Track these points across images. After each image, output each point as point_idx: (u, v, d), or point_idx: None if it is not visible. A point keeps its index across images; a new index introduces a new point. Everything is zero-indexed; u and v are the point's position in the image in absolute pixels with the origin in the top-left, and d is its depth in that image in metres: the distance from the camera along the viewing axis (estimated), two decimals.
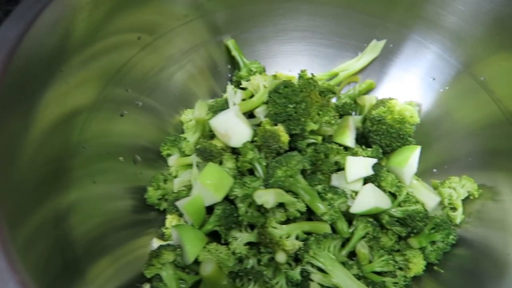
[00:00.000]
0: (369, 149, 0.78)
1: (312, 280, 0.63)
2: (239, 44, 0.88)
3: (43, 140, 0.55)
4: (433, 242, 0.73)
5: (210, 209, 0.70)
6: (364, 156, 0.76)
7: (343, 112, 0.85)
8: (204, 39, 0.85)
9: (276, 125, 0.71)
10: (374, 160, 0.72)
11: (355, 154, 0.77)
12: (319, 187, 0.70)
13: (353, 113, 0.88)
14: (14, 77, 0.50)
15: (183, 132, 0.86)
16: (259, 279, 0.61)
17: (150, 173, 0.79)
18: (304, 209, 0.66)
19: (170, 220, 0.74)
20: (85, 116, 0.65)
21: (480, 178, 0.75)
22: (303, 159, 0.66)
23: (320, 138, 0.75)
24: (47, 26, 0.55)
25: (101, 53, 0.65)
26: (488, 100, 0.75)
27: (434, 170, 0.83)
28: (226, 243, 0.69)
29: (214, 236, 0.71)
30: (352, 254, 0.72)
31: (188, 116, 0.86)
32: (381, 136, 0.78)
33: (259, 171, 0.71)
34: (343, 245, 0.71)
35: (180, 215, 0.73)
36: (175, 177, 0.78)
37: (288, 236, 0.65)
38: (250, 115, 0.80)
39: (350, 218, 0.73)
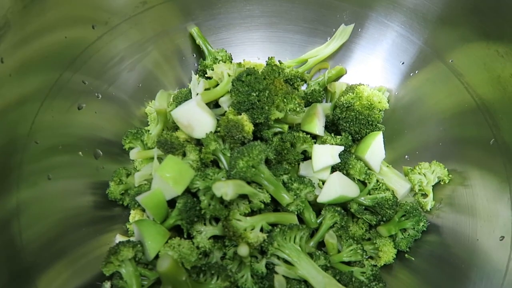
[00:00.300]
0: (338, 136, 0.76)
1: (276, 273, 0.61)
2: (204, 32, 0.85)
3: None
4: (404, 230, 0.72)
5: (173, 203, 0.68)
6: (332, 144, 0.74)
7: (312, 99, 0.83)
8: (166, 28, 0.82)
9: (240, 114, 0.69)
10: (341, 148, 0.71)
11: (324, 142, 0.75)
12: (284, 177, 0.68)
13: (323, 100, 0.86)
14: None
15: (148, 125, 0.84)
16: (222, 273, 0.59)
17: (114, 167, 0.77)
18: (268, 200, 0.64)
19: (133, 215, 0.72)
20: (37, 108, 0.62)
21: (450, 164, 0.74)
22: (266, 149, 0.64)
23: (286, 126, 0.73)
24: None
25: (48, 41, 0.62)
26: (458, 84, 0.73)
27: (406, 156, 0.82)
28: (191, 237, 0.67)
29: (180, 231, 0.69)
30: (322, 245, 0.71)
31: (152, 108, 0.83)
32: (350, 123, 0.76)
33: (223, 162, 0.68)
34: (312, 236, 0.69)
35: (144, 210, 0.70)
36: (138, 171, 0.75)
37: (252, 228, 0.63)
38: (215, 105, 0.77)
39: (319, 208, 0.71)
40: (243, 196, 0.64)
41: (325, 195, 0.67)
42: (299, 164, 0.74)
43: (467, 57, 0.71)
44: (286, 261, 0.63)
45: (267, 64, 0.77)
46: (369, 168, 0.74)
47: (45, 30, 0.61)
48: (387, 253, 0.70)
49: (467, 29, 0.68)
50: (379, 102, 0.76)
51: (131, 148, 0.79)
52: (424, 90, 0.80)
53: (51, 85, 0.65)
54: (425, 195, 0.75)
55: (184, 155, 0.70)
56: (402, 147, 0.83)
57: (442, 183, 0.74)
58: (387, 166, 0.77)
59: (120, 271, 0.60)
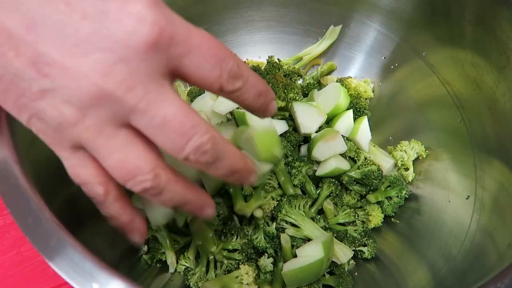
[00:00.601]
0: None
1: (283, 232, 0.74)
2: (212, 35, 0.97)
3: None
4: (389, 198, 0.85)
5: None
6: None
7: (307, 91, 0.96)
8: None
9: None
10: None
11: None
12: (289, 159, 0.81)
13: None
14: None
15: None
16: (241, 233, 0.72)
17: None
18: (276, 186, 0.78)
19: None
20: None
21: (426, 141, 0.87)
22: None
23: (287, 114, 0.86)
24: None
25: None
26: (431, 74, 0.86)
27: (390, 138, 0.95)
28: None
29: None
30: (321, 212, 0.84)
31: None
32: None
33: None
34: (313, 204, 0.82)
35: None
36: None
37: (265, 198, 0.76)
38: None
39: (317, 182, 0.85)
40: None
41: (322, 169, 0.80)
42: (299, 146, 0.87)
43: (437, 50, 0.85)
44: (293, 225, 0.76)
45: (267, 62, 0.90)
46: (358, 148, 0.87)
47: None
48: (376, 217, 0.83)
49: (434, 24, 0.81)
50: (365, 92, 0.90)
51: None
52: (405, 82, 0.93)
53: None
54: (406, 169, 0.89)
55: None
56: (386, 131, 0.96)
57: (420, 158, 0.87)
58: (374, 146, 0.90)
59: (156, 235, 0.73)
